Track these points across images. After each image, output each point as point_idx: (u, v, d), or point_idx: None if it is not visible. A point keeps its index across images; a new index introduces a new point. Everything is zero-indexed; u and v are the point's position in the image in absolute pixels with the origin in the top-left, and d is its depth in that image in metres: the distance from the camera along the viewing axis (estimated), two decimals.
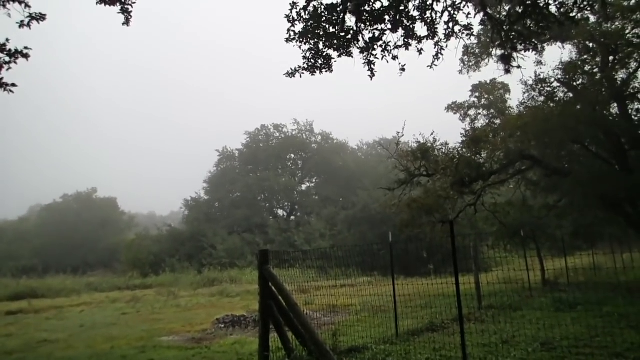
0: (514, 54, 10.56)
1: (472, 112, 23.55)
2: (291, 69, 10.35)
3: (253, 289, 22.15)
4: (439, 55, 9.95)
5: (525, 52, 10.62)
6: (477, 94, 23.24)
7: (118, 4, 9.19)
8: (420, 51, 9.61)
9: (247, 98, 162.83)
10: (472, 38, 12.02)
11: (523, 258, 15.75)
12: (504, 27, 9.91)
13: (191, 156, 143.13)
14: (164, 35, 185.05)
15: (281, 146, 56.64)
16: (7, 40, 8.78)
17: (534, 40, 10.47)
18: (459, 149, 19.18)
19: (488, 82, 22.58)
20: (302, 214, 51.99)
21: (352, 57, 9.96)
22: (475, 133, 19.77)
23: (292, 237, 43.29)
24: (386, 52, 9.69)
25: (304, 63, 10.29)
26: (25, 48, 8.95)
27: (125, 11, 9.31)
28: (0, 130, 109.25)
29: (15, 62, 9.04)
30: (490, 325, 9.98)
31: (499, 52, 16.32)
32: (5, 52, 8.84)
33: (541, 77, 17.85)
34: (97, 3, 9.00)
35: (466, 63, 20.51)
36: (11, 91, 9.05)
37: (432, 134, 18.78)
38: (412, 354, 7.59)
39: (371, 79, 9.94)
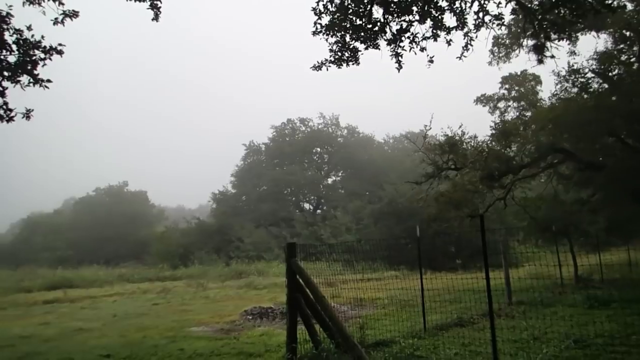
0: (547, 44, 10.27)
1: (501, 104, 23.04)
2: (317, 62, 10.33)
3: (280, 282, 22.35)
4: (469, 47, 9.77)
5: (558, 41, 10.33)
6: (507, 86, 22.71)
7: (147, 0, 9.35)
8: (449, 42, 9.46)
9: (275, 92, 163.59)
10: (503, 28, 11.83)
11: (554, 254, 15.37)
12: (537, 16, 9.65)
13: (219, 150, 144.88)
14: (186, 35, 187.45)
15: (307, 140, 56.77)
16: (42, 37, 9.04)
17: (567, 29, 10.16)
18: (488, 142, 18.84)
19: (518, 73, 22.04)
20: (328, 207, 52.04)
21: (379, 49, 9.87)
22: (505, 126, 19.36)
23: (318, 231, 43.44)
24: (414, 43, 9.56)
25: (330, 56, 10.26)
26: (60, 44, 9.21)
27: (154, 7, 9.46)
28: (37, 127, 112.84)
29: (50, 59, 9.31)
30: (520, 321, 9.80)
31: (530, 42, 15.99)
32: (40, 49, 9.11)
33: (575, 67, 17.28)
34: (127, 0, 9.17)
35: (496, 54, 20.05)
36: (46, 87, 9.32)
37: (460, 127, 18.48)
38: (440, 349, 7.53)
39: (399, 71, 9.84)
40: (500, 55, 19.99)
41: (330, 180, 58.32)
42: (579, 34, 16.02)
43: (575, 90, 17.62)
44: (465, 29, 9.56)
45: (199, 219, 51.75)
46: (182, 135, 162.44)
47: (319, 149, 58.71)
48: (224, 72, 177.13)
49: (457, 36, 9.81)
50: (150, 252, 47.53)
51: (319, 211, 53.62)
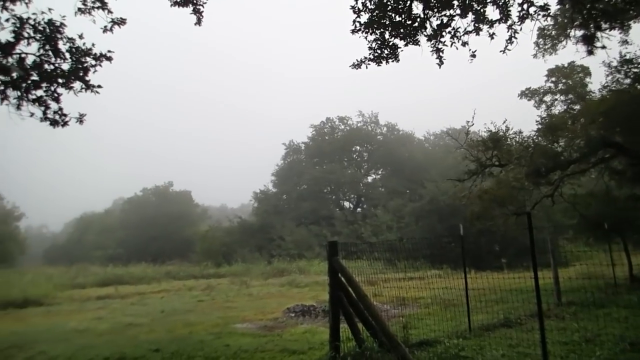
0: (597, 34, 9.82)
1: (547, 98, 22.20)
2: (357, 60, 10.31)
3: (321, 280, 22.46)
4: (512, 39, 9.48)
5: (609, 31, 9.86)
6: (553, 79, 21.85)
7: (190, 5, 9.62)
8: (491, 36, 9.21)
9: (314, 92, 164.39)
10: (549, 19, 11.37)
11: (606, 252, 14.69)
12: (585, 5, 9.25)
13: (260, 150, 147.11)
14: (228, 40, 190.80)
15: (346, 138, 56.66)
16: (93, 45, 9.46)
17: (619, 17, 9.69)
18: (534, 137, 18.23)
19: (566, 65, 21.17)
20: (369, 206, 51.77)
21: (420, 45, 9.74)
22: (552, 120, 18.66)
23: (358, 229, 43.33)
24: (455, 38, 9.37)
25: (369, 54, 10.20)
26: (109, 51, 9.61)
27: (197, 11, 9.73)
28: (89, 131, 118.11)
29: (100, 65, 9.74)
30: (571, 322, 9.45)
31: (579, 32, 15.33)
32: (91, 56, 9.54)
33: (627, 57, 16.44)
34: (171, 5, 9.47)
35: (541, 46, 19.31)
36: (97, 92, 9.76)
37: (504, 122, 17.94)
38: (486, 350, 7.37)
39: (440, 67, 9.69)
40: (546, 47, 19.25)
41: (370, 179, 58.03)
42: (631, 22, 15.22)
43: (628, 81, 16.77)
44: (509, 22, 9.28)
45: (241, 217, 52.64)
46: (225, 136, 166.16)
47: (358, 147, 58.47)
48: (267, 74, 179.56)
49: (500, 29, 9.55)
50: (194, 250, 48.86)
51: (359, 209, 53.45)
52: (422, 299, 13.58)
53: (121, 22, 9.52)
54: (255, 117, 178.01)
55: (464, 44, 9.29)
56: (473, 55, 9.36)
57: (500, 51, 9.32)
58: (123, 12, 9.51)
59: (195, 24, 9.74)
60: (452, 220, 31.56)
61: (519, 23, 9.30)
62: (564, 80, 21.55)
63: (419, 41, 9.68)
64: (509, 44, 9.46)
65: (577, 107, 20.38)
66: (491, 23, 9.13)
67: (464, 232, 10.00)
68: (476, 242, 25.82)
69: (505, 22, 9.21)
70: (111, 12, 9.31)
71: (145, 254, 46.43)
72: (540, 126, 18.46)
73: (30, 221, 79.72)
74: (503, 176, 18.58)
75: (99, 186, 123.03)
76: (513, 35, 9.36)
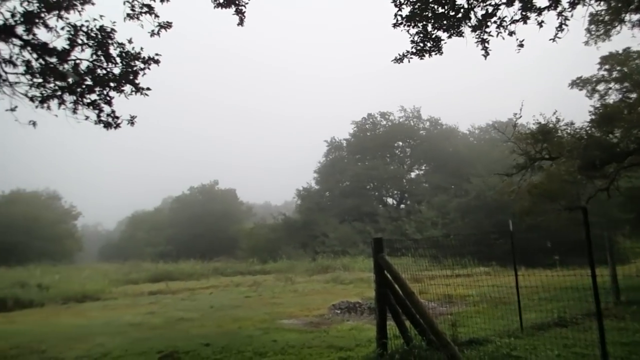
0: None
1: (601, 87, 21.20)
2: (399, 54, 10.20)
3: (366, 277, 22.40)
4: (563, 27, 9.10)
5: None
6: (607, 67, 20.82)
7: (233, 6, 9.80)
8: (540, 24, 8.88)
9: (356, 88, 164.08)
10: (601, 4, 10.83)
11: None
12: None
13: (302, 147, 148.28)
14: (268, 40, 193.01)
15: (388, 134, 56.09)
16: (142, 49, 9.81)
17: None
18: (587, 128, 17.45)
19: (620, 52, 20.10)
20: (412, 202, 51.07)
21: (464, 36, 9.53)
22: (606, 110, 17.76)
23: (402, 226, 42.86)
24: (501, 28, 9.10)
25: (412, 47, 10.08)
26: (156, 54, 9.94)
27: (239, 12, 9.89)
28: (140, 134, 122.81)
29: (149, 68, 10.09)
30: (631, 322, 8.97)
31: (634, 17, 14.52)
32: (140, 60, 9.90)
33: None
34: (214, 7, 9.67)
35: (593, 33, 18.43)
36: (146, 94, 10.13)
37: (554, 113, 17.32)
38: (539, 349, 7.12)
39: (485, 58, 9.45)
40: (599, 33, 18.36)
41: (413, 174, 57.23)
42: None
43: None
44: (559, 8, 8.92)
45: (285, 215, 53.16)
46: (267, 136, 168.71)
47: (400, 143, 57.75)
48: (308, 72, 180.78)
49: (549, 16, 9.18)
50: (240, 247, 49.83)
51: (402, 206, 52.86)
52: (470, 296, 13.29)
53: (167, 25, 9.82)
54: (296, 116, 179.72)
55: (511, 33, 9.02)
56: (521, 45, 9.08)
57: (550, 39, 8.98)
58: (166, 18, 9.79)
59: (237, 25, 9.90)
60: (499, 216, 30.68)
61: (569, 9, 8.93)
62: (618, 68, 20.49)
63: (463, 32, 9.47)
64: (559, 32, 9.10)
65: (634, 95, 19.33)
66: (539, 11, 8.81)
67: (513, 228, 9.68)
68: (526, 238, 25.00)
69: (555, 8, 8.86)
70: (158, 17, 9.62)
71: (193, 250, 47.74)
72: (593, 116, 17.61)
73: (86, 220, 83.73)
74: (554, 170, 17.92)
75: (149, 186, 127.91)
76: (563, 22, 9.00)
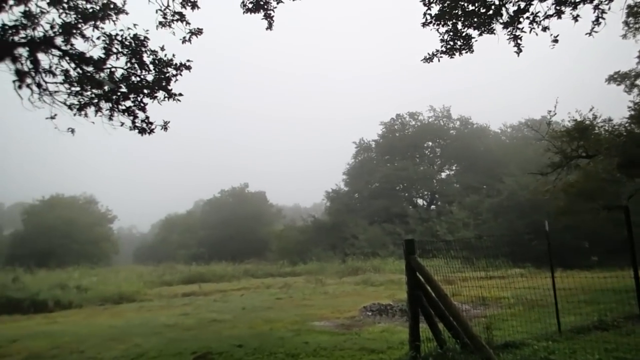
0: None
1: None
2: (428, 54, 10.12)
3: (397, 279, 22.21)
4: (599, 20, 8.80)
5: None
6: None
7: (261, 11, 9.92)
8: (575, 18, 8.62)
9: (384, 88, 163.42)
10: None
11: None
12: None
13: (331, 149, 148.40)
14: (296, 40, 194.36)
15: (417, 134, 55.48)
16: (174, 55, 10.03)
17: None
18: (626, 124, 16.82)
19: None
20: (443, 202, 50.31)
21: (495, 34, 9.36)
22: None
23: (433, 227, 42.27)
24: (534, 23, 8.89)
25: (441, 46, 9.97)
26: (188, 61, 10.16)
27: (267, 17, 10.01)
28: (173, 139, 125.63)
29: (181, 74, 10.31)
30: None
31: None
32: (172, 67, 10.14)
33: None
34: (243, 12, 9.81)
35: (631, 25, 17.80)
36: (178, 100, 10.35)
37: (590, 109, 16.76)
38: (579, 354, 6.89)
39: (518, 55, 9.25)
40: (637, 25, 17.70)
41: (443, 175, 56.36)
42: None
43: None
44: (595, 1, 8.64)
45: (314, 217, 53.26)
46: (297, 138, 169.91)
47: (430, 143, 57.01)
48: (337, 75, 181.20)
49: (585, 10, 8.91)
50: (270, 249, 50.22)
51: (433, 207, 52.14)
52: (505, 298, 13.00)
53: (198, 32, 10.02)
54: (325, 118, 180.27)
55: (545, 29, 8.80)
56: (555, 40, 8.84)
57: (586, 34, 8.70)
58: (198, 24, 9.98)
59: (266, 29, 10.02)
60: (533, 216, 29.93)
61: (606, 2, 8.63)
62: None
63: (494, 30, 9.31)
64: (596, 25, 8.80)
65: None
66: (574, 4, 8.55)
67: (548, 228, 9.41)
68: (562, 238, 24.34)
69: (591, 1, 8.58)
70: (189, 24, 9.82)
71: (224, 252, 48.39)
72: (633, 112, 16.97)
73: (122, 223, 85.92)
74: (591, 168, 17.35)
75: (182, 189, 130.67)
76: (600, 15, 8.70)
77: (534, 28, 8.80)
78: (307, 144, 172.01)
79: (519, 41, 9.10)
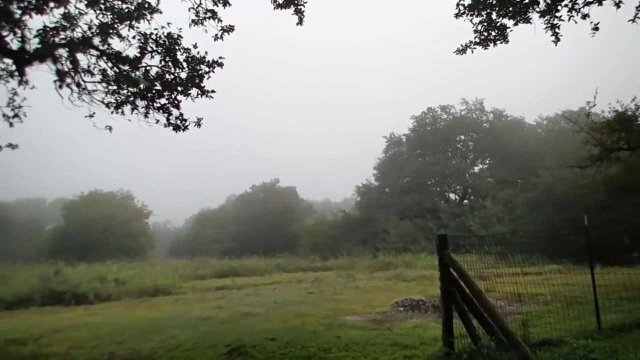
0: None
1: None
2: (461, 45, 9.95)
3: (429, 274, 21.99)
4: None
5: None
6: None
7: (292, 6, 9.94)
8: (618, 4, 8.26)
9: (414, 82, 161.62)
10: None
11: None
12: None
13: (361, 144, 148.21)
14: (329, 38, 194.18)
15: (449, 128, 54.55)
16: (206, 53, 10.17)
17: None
18: None
19: None
20: (476, 197, 49.41)
21: (531, 23, 9.09)
22: None
23: (466, 222, 41.63)
24: (573, 11, 8.57)
25: (475, 37, 9.77)
26: (220, 57, 10.28)
27: (298, 12, 10.01)
28: (205, 136, 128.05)
29: (213, 71, 10.45)
30: None
31: None
32: (205, 64, 10.28)
33: None
34: (274, 8, 9.86)
35: None
36: (211, 97, 10.51)
37: (632, 100, 16.11)
38: (620, 352, 6.66)
39: (556, 44, 8.96)
40: None
41: (476, 169, 55.25)
42: None
43: None
44: None
45: (344, 212, 53.21)
46: (326, 133, 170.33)
47: (462, 137, 55.96)
48: (368, 73, 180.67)
49: None
50: (301, 243, 50.53)
51: (466, 201, 51.26)
52: (541, 295, 12.66)
53: (230, 29, 10.12)
54: (355, 112, 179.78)
55: (585, 16, 8.46)
56: (596, 28, 8.50)
57: (629, 20, 8.33)
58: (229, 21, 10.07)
59: (297, 24, 10.03)
60: (570, 210, 29.02)
61: None
62: None
63: (530, 19, 9.04)
64: None
65: None
66: None
67: (587, 223, 9.11)
68: (601, 234, 23.54)
69: None
70: (221, 21, 9.94)
71: (256, 247, 48.96)
72: None
73: (157, 218, 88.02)
74: (633, 160, 16.69)
75: (214, 185, 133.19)
76: None
77: (572, 16, 8.49)
78: (338, 140, 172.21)
79: (556, 30, 8.81)
